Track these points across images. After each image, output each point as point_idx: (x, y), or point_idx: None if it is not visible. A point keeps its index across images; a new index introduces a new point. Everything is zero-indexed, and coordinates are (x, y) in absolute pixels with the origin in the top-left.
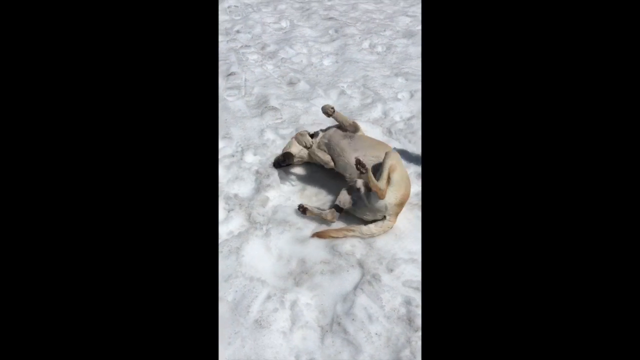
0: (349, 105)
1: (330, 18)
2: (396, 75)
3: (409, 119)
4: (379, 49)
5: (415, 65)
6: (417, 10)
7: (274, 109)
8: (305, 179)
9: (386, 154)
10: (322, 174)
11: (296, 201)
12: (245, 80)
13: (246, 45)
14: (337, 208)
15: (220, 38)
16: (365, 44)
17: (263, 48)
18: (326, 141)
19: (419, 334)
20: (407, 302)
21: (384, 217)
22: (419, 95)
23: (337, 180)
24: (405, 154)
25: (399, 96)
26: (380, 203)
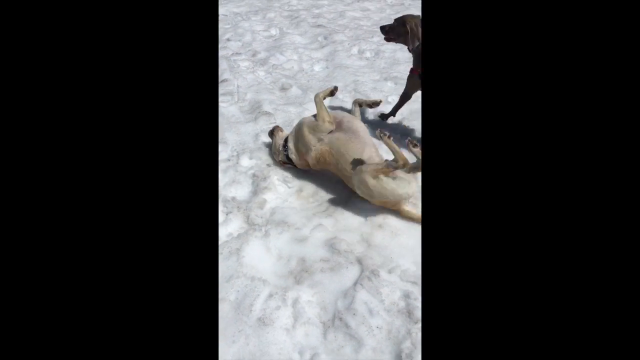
0: (341, 109)
1: (319, 25)
2: (385, 79)
3: (400, 121)
4: (368, 54)
5: (403, 70)
6: None
7: (267, 113)
8: (302, 181)
9: None
10: (318, 175)
11: (293, 202)
12: (238, 86)
13: (237, 53)
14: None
15: None
16: (354, 50)
17: (254, 55)
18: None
19: (419, 325)
20: (406, 296)
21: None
22: None
23: (332, 182)
24: None
25: (389, 99)
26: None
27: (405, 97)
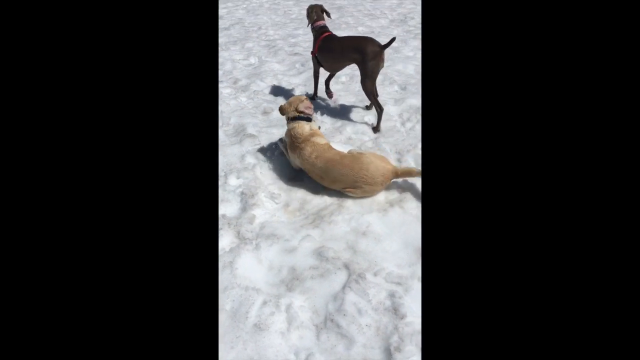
0: (321, 129)
1: (296, 53)
2: (361, 101)
3: (376, 138)
4: (343, 79)
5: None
6: None
7: (251, 136)
8: (288, 197)
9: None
10: (303, 189)
11: (281, 217)
12: (222, 112)
13: (219, 81)
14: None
15: None
16: None
17: (235, 82)
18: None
19: (405, 320)
20: (391, 295)
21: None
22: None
23: (317, 197)
24: None
25: (366, 119)
26: None
27: (315, 75)
